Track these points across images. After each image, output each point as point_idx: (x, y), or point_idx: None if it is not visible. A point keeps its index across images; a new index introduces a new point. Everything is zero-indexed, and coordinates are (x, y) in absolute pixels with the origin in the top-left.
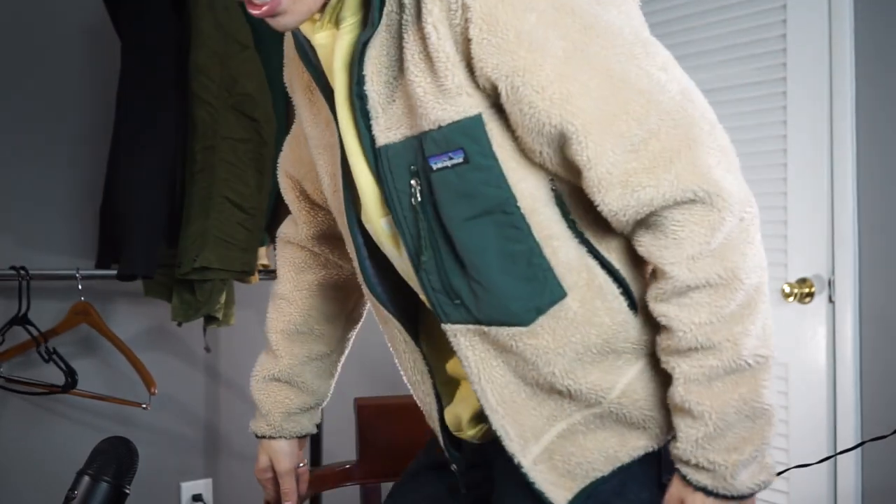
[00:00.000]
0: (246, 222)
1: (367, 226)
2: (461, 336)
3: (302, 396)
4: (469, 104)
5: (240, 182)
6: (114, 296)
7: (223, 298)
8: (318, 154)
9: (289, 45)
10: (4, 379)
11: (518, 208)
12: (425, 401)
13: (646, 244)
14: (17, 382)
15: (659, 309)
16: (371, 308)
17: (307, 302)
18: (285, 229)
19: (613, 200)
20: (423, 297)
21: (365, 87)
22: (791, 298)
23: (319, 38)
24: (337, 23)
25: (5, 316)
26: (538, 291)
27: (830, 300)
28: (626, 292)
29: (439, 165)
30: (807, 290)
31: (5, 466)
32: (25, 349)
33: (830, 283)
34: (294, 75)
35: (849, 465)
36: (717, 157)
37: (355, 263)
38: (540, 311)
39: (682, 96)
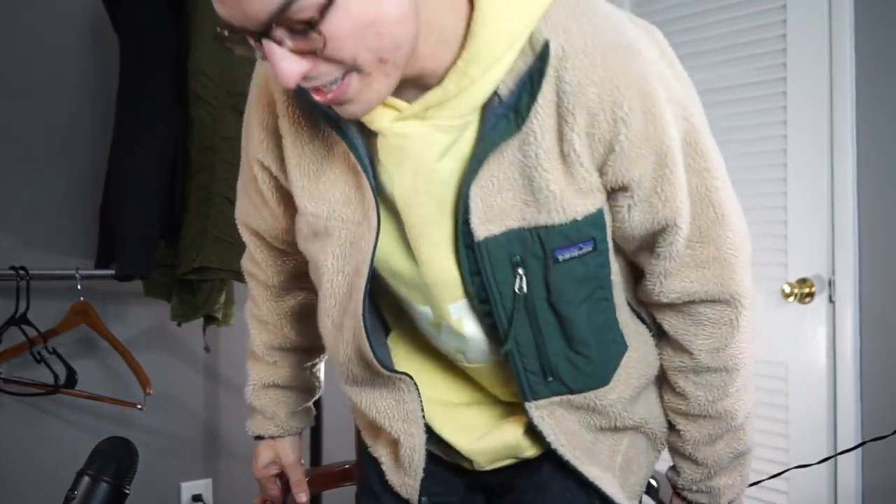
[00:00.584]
0: None
1: (410, 303)
2: (544, 409)
3: (303, 396)
4: (599, 199)
5: None
6: (114, 296)
7: (223, 298)
8: (332, 225)
9: (270, 95)
10: (2, 380)
11: (611, 282)
12: (408, 432)
13: (675, 326)
14: (13, 383)
15: (677, 380)
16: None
17: (293, 325)
18: (250, 268)
19: (666, 285)
20: (492, 379)
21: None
22: (791, 298)
23: (398, 127)
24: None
25: (5, 316)
26: (616, 352)
27: (830, 300)
28: (650, 330)
29: (567, 256)
30: (807, 290)
31: (4, 466)
32: (22, 350)
33: (830, 283)
34: (290, 131)
35: (849, 465)
36: (748, 266)
37: (352, 324)
38: (617, 367)
39: (739, 217)
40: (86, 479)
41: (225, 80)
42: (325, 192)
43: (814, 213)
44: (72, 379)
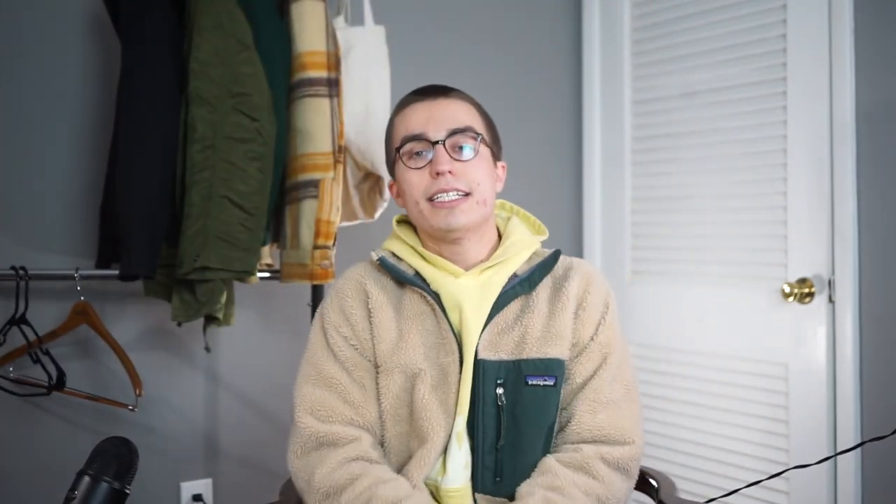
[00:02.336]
0: (246, 222)
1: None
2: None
3: None
4: (566, 349)
5: (240, 182)
6: (113, 296)
7: (223, 298)
8: (426, 362)
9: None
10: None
11: (554, 424)
12: None
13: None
14: (8, 381)
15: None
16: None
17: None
18: (352, 452)
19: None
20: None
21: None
22: (791, 298)
23: (462, 281)
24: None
25: (5, 316)
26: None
27: (830, 300)
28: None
29: (534, 382)
30: (807, 290)
31: (4, 466)
32: (22, 352)
33: (830, 283)
34: (389, 315)
35: (849, 465)
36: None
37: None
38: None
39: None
40: (86, 478)
41: (226, 80)
42: (413, 345)
43: (814, 213)
44: (61, 381)
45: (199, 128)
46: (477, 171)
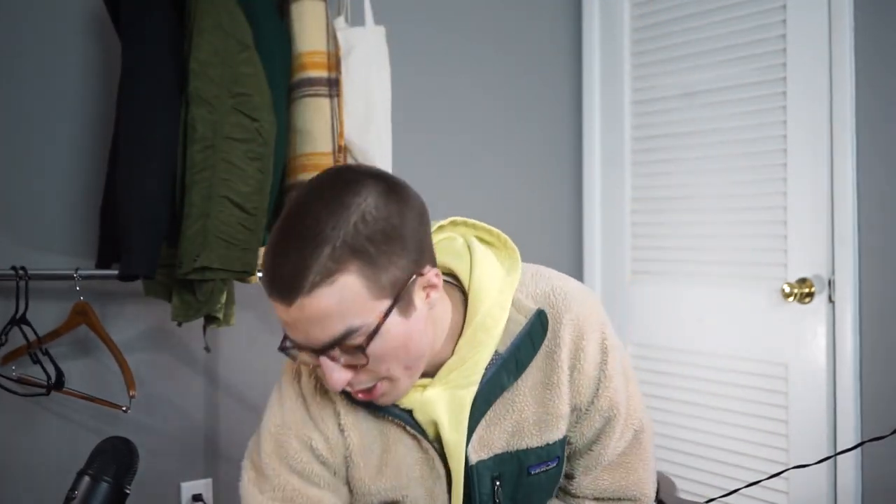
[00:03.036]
0: (247, 222)
1: None
2: None
3: None
4: (566, 425)
5: (240, 182)
6: (113, 296)
7: (223, 298)
8: (410, 486)
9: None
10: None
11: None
12: None
13: None
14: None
15: None
16: None
17: None
18: None
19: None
20: None
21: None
22: (791, 298)
23: (426, 396)
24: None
25: (5, 316)
26: None
27: (830, 300)
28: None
29: (538, 471)
30: (807, 290)
31: (3, 466)
32: (22, 353)
33: (830, 283)
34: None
35: (848, 465)
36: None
37: None
38: None
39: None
40: (86, 478)
41: (226, 80)
42: (397, 467)
43: (814, 213)
44: (59, 381)
45: (199, 128)
46: (379, 365)
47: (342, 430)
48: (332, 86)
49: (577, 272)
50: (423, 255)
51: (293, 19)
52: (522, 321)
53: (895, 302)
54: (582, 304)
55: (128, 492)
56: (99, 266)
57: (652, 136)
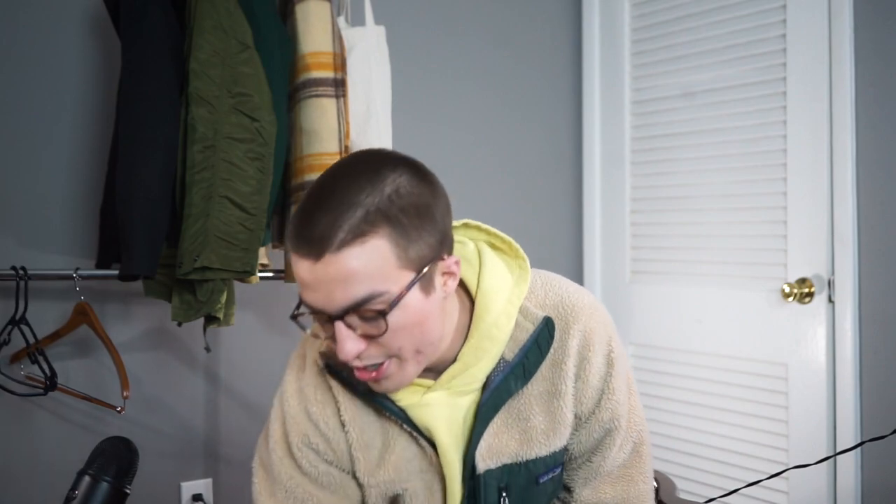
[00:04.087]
0: (247, 222)
1: None
2: None
3: None
4: (569, 431)
5: (240, 182)
6: (113, 296)
7: (223, 298)
8: (409, 479)
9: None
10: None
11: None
12: None
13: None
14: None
15: None
16: None
17: None
18: None
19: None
20: None
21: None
22: (791, 298)
23: (426, 399)
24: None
25: (5, 316)
26: None
27: (830, 300)
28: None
29: (545, 479)
30: (807, 290)
31: (3, 466)
32: (23, 356)
33: (830, 283)
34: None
35: (848, 465)
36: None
37: None
38: None
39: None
40: (86, 478)
41: (226, 80)
42: (395, 464)
43: (814, 213)
44: (52, 381)
45: (199, 128)
46: (394, 339)
47: (343, 426)
48: (339, 86)
49: (577, 272)
50: (446, 241)
51: (298, 20)
52: (530, 328)
53: (895, 302)
54: (591, 316)
55: (128, 492)
56: (99, 266)
57: (652, 136)
